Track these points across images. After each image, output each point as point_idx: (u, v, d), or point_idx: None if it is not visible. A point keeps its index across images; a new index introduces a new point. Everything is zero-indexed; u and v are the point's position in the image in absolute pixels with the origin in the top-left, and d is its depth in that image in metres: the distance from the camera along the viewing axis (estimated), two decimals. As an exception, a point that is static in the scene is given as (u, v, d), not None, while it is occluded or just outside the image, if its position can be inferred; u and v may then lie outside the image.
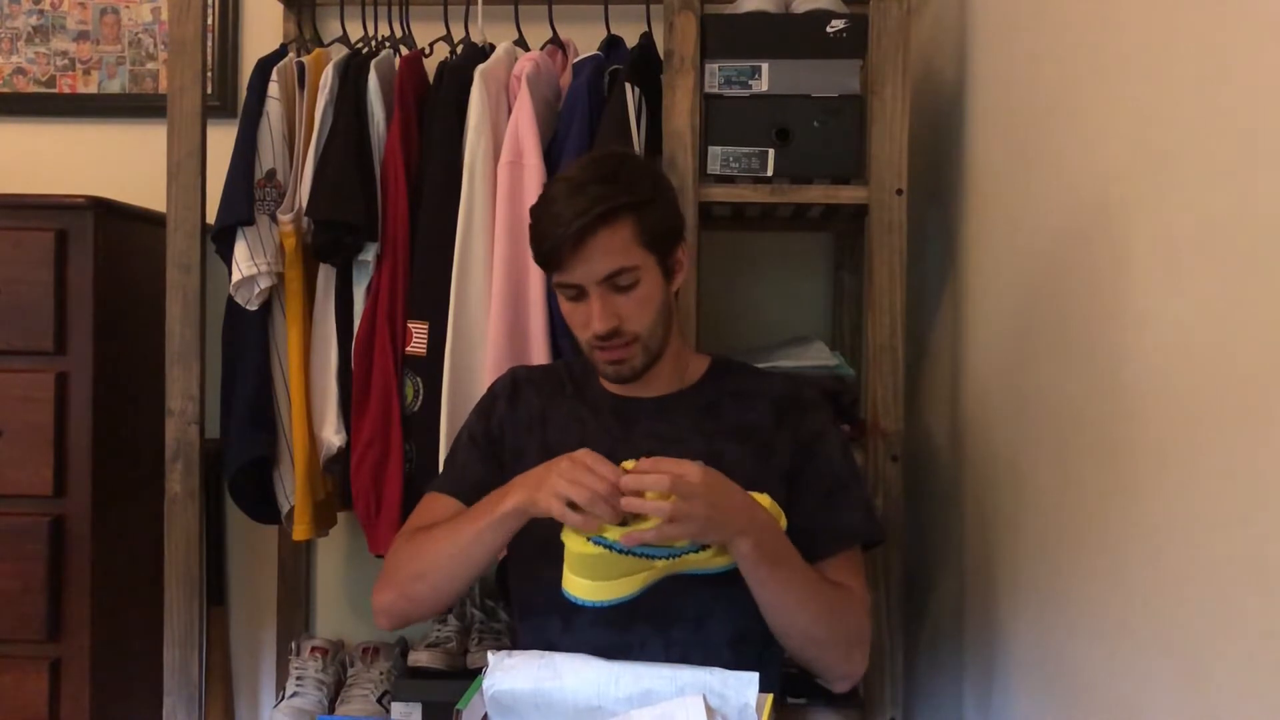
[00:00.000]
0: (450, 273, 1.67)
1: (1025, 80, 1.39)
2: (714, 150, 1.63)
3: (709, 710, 1.05)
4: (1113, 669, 1.04)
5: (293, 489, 1.77)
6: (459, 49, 1.84)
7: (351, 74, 1.75)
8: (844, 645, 1.27)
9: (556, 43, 1.86)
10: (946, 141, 1.76)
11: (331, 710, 1.84)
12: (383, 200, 1.73)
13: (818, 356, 1.74)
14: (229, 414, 1.77)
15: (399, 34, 1.90)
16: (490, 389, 1.45)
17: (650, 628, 1.27)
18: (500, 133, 1.69)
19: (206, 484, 1.77)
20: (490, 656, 1.14)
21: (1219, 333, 0.85)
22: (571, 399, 1.40)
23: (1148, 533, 0.97)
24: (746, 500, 1.19)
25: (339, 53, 1.83)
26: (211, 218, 1.73)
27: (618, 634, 1.26)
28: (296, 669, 1.91)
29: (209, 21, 2.02)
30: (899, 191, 1.61)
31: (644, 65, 1.75)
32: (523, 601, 1.35)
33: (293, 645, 1.98)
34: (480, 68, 1.69)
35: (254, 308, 1.74)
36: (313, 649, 1.93)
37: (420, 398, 1.70)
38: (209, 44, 2.11)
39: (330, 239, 1.71)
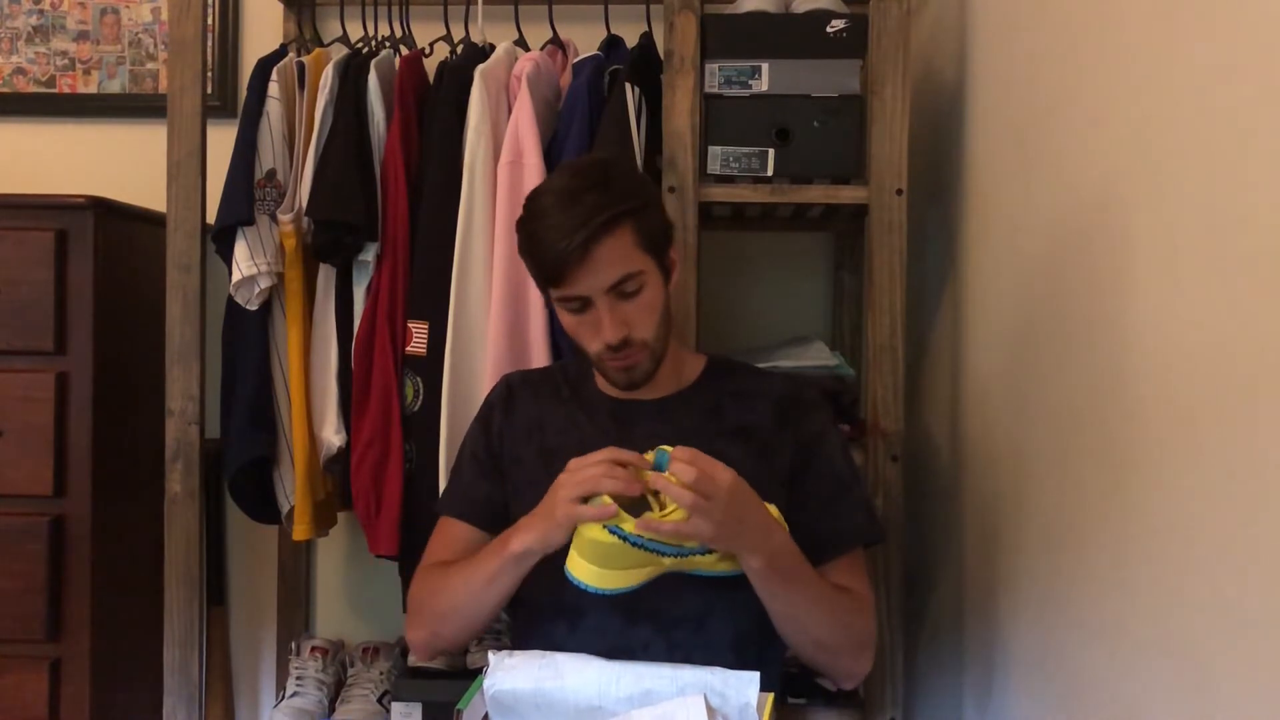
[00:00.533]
0: (450, 273, 1.67)
1: (1025, 80, 1.39)
2: (714, 150, 1.63)
3: (710, 710, 1.05)
4: (1113, 669, 1.04)
5: (293, 489, 1.77)
6: (459, 49, 1.84)
7: (351, 74, 1.75)
8: (854, 650, 1.29)
9: (556, 43, 1.86)
10: (946, 141, 1.76)
11: (331, 710, 1.85)
12: (383, 200, 1.73)
13: (818, 356, 1.74)
14: (229, 414, 1.77)
15: (399, 34, 1.90)
16: (486, 399, 1.45)
17: (652, 629, 1.27)
18: (500, 133, 1.69)
19: (206, 484, 1.77)
20: (491, 656, 1.14)
21: (1219, 333, 0.85)
22: (568, 402, 1.39)
23: (1148, 533, 0.97)
24: (766, 520, 1.18)
25: (339, 53, 1.83)
26: (211, 218, 1.73)
27: (620, 636, 1.26)
28: (296, 669, 1.91)
29: (209, 21, 2.02)
30: (899, 191, 1.61)
31: (644, 65, 1.74)
32: (525, 604, 1.35)
33: (293, 645, 1.98)
34: (480, 68, 1.69)
35: (254, 308, 1.74)
36: (313, 649, 1.93)
37: (420, 398, 1.70)
38: (209, 44, 2.11)
39: (330, 239, 1.71)
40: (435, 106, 1.74)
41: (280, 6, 2.05)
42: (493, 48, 1.78)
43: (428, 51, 1.86)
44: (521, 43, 1.86)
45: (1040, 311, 1.29)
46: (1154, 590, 0.96)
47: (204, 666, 1.78)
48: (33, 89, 2.20)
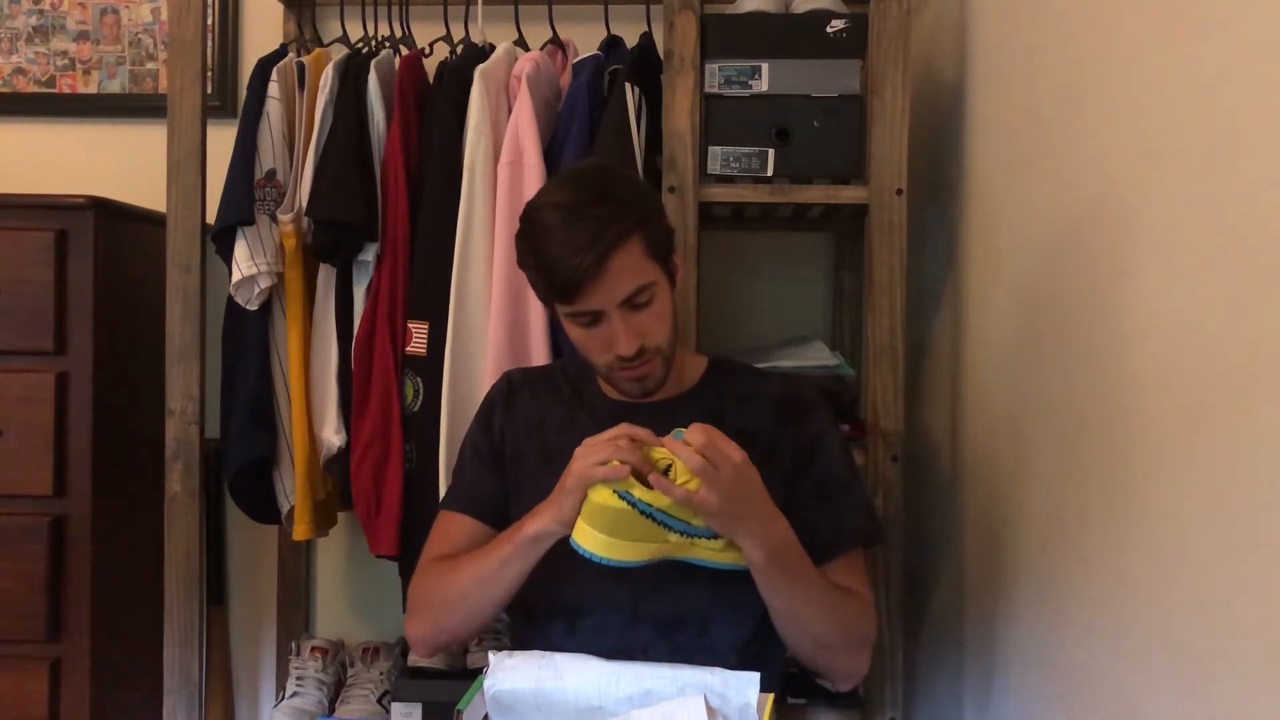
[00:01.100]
0: (450, 273, 1.67)
1: (1025, 80, 1.39)
2: (714, 150, 1.63)
3: (710, 710, 1.05)
4: (1113, 669, 1.04)
5: (293, 489, 1.77)
6: (459, 49, 1.84)
7: (351, 74, 1.75)
8: (854, 649, 1.29)
9: (556, 43, 1.86)
10: (946, 141, 1.76)
11: (331, 710, 1.84)
12: (383, 200, 1.73)
13: (818, 356, 1.74)
14: (229, 414, 1.77)
15: (399, 34, 1.90)
16: (487, 396, 1.45)
17: (654, 632, 1.27)
18: (500, 133, 1.69)
19: (206, 484, 1.77)
20: (491, 656, 1.14)
21: (1219, 333, 0.85)
22: (569, 402, 1.39)
23: (1148, 533, 0.97)
24: (770, 509, 1.19)
25: (339, 53, 1.83)
26: (211, 218, 1.73)
27: (621, 637, 1.26)
28: (296, 669, 1.91)
29: (209, 21, 2.02)
30: (899, 191, 1.61)
31: (644, 65, 1.74)
32: (526, 605, 1.34)
33: (293, 645, 1.98)
34: (480, 68, 1.69)
35: (254, 308, 1.74)
36: (313, 649, 1.93)
37: (420, 398, 1.70)
38: (209, 44, 2.10)
39: (330, 239, 1.71)
40: (435, 106, 1.74)
41: (280, 6, 2.05)
42: (493, 48, 1.78)
43: (428, 51, 1.86)
44: (521, 43, 1.86)
45: (1040, 311, 1.29)
46: (1154, 590, 0.96)
47: (204, 666, 1.79)
48: (33, 89, 2.20)
